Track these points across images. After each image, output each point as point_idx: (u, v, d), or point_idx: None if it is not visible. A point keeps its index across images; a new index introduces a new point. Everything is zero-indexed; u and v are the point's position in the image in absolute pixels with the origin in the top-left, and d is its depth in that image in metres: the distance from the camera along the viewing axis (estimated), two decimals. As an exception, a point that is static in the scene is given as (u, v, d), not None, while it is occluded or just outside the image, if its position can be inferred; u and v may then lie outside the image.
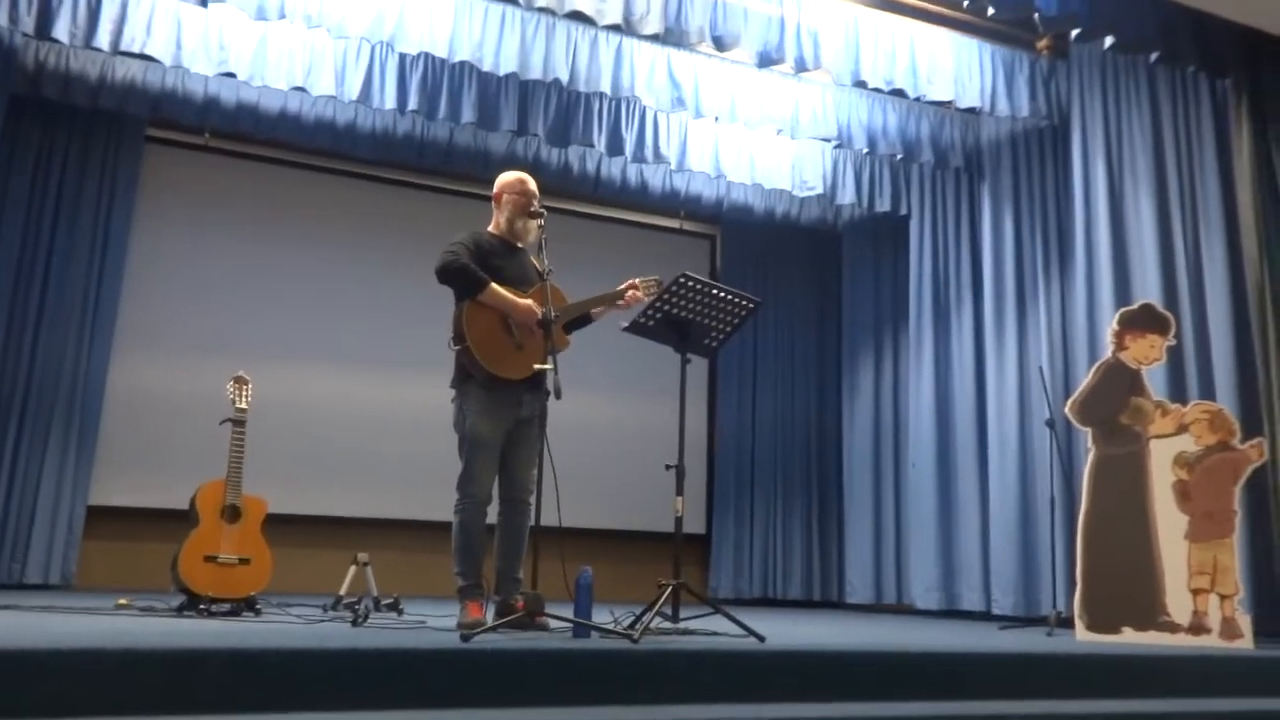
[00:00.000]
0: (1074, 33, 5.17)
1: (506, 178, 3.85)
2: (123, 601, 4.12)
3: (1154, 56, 5.08)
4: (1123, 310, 4.54)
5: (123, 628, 3.01)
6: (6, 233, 5.86)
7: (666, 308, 3.59)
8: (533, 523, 3.36)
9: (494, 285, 3.57)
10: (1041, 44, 5.82)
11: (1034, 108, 5.80)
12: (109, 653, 2.24)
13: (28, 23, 4.90)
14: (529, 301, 3.58)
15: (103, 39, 5.03)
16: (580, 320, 3.89)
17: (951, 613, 6.25)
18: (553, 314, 3.43)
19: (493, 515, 3.67)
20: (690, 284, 3.57)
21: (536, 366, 3.42)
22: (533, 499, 3.38)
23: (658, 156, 6.25)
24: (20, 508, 5.70)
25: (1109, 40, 5.10)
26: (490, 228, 3.81)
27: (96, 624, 3.18)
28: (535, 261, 3.73)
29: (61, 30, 4.94)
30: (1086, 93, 5.57)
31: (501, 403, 3.58)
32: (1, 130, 5.62)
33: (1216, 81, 5.15)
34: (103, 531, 6.01)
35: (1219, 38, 5.03)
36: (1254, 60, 5.01)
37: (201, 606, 3.86)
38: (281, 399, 6.30)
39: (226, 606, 3.95)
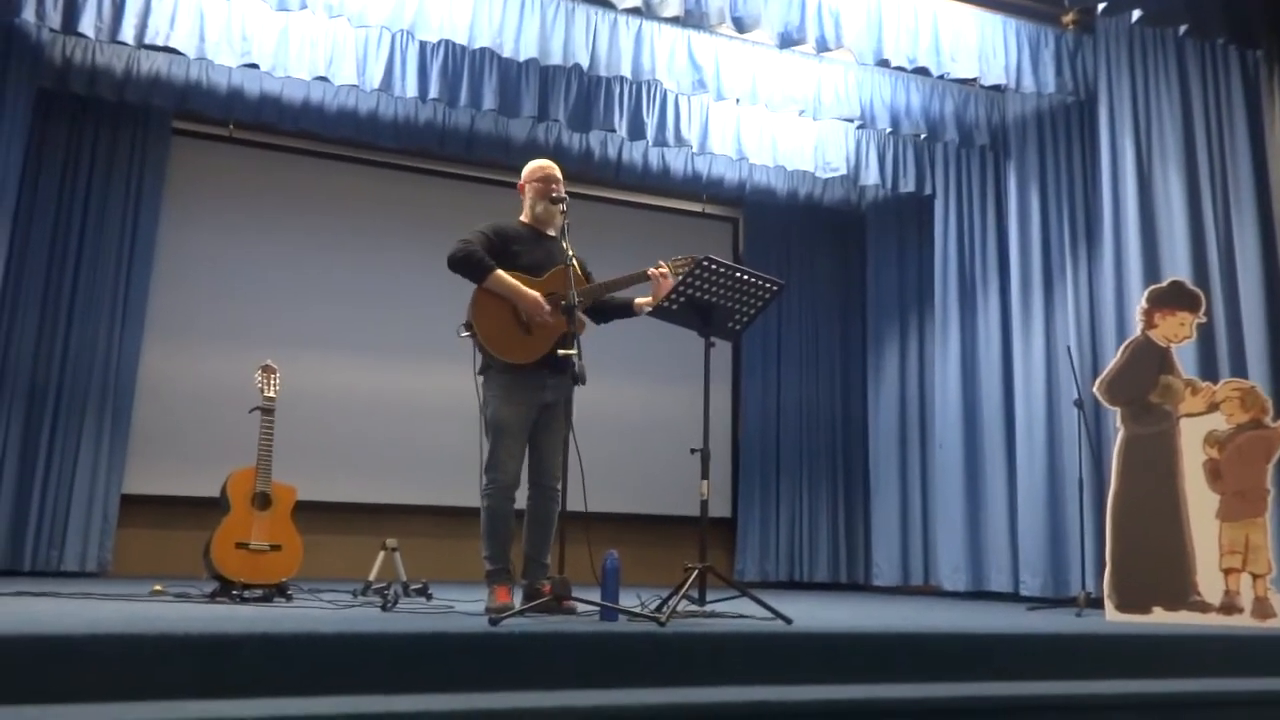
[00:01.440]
0: (1100, 6, 5.10)
1: (530, 166, 3.88)
2: (157, 588, 4.20)
3: (1182, 29, 4.99)
4: (1152, 288, 4.49)
5: (157, 613, 3.06)
6: (37, 226, 5.95)
7: (690, 291, 3.58)
8: (561, 509, 3.37)
9: (499, 273, 3.59)
10: (1067, 18, 5.74)
11: (1060, 84, 5.73)
12: (144, 638, 2.28)
13: (54, 18, 4.96)
14: (535, 294, 3.59)
15: (127, 33, 5.08)
16: (621, 311, 3.89)
17: (979, 594, 6.23)
18: (576, 299, 3.44)
19: (521, 500, 3.69)
20: (713, 267, 3.57)
21: (560, 353, 3.42)
22: (561, 485, 3.39)
23: (679, 140, 6.23)
24: (57, 497, 5.80)
25: (1136, 13, 5.02)
26: (521, 216, 3.84)
27: (132, 610, 3.24)
28: (566, 246, 3.72)
29: (87, 25, 4.99)
30: (1113, 67, 5.49)
31: (523, 387, 3.60)
32: (30, 125, 5.70)
33: (1247, 53, 5.05)
34: (137, 520, 6.11)
35: (1249, 8, 4.93)
36: (1286, 31, 4.92)
37: (234, 592, 3.92)
38: (309, 387, 6.35)
39: (258, 592, 4.00)
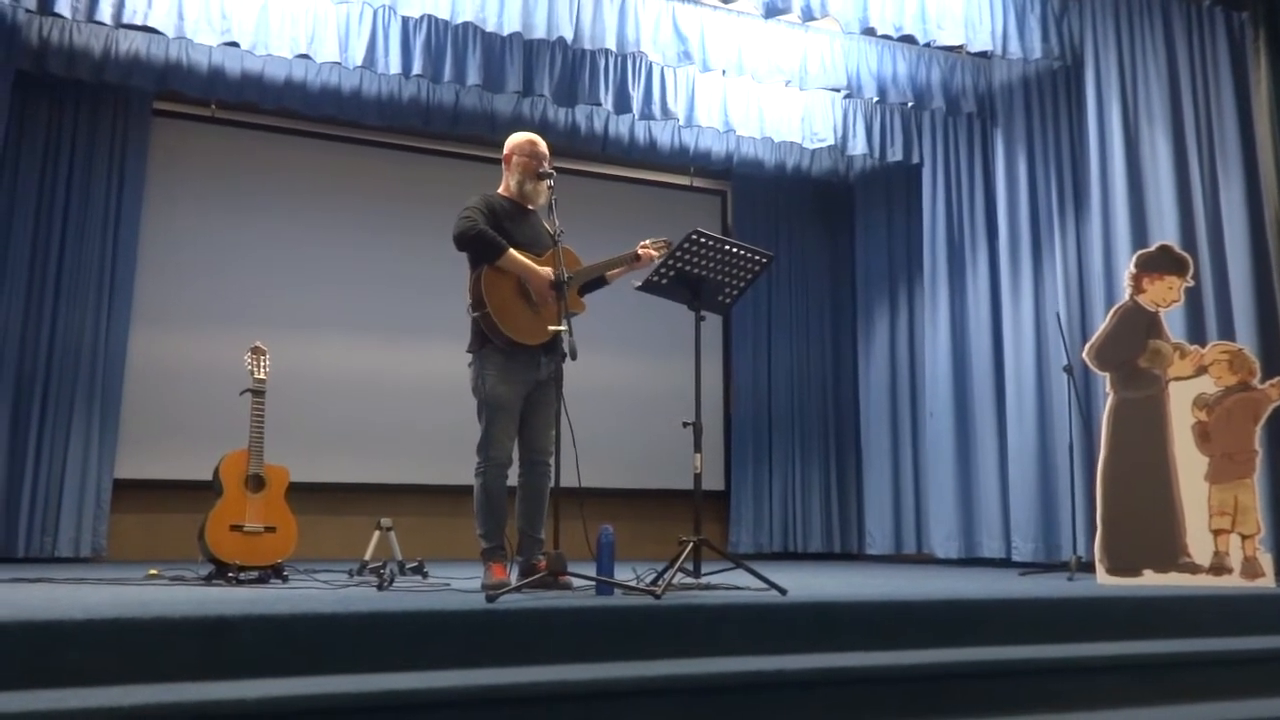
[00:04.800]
0: (1086, -30, 5.06)
1: (516, 139, 3.82)
2: (153, 572, 4.20)
3: (1169, -9, 4.98)
4: (1140, 252, 4.50)
5: (153, 597, 3.06)
6: (20, 211, 5.89)
7: (679, 265, 3.57)
8: (553, 484, 3.38)
9: (512, 251, 3.55)
10: (1053, -17, 5.71)
11: (1046, 49, 5.70)
12: (141, 621, 2.28)
13: (29, -2, 4.89)
14: (546, 271, 3.57)
15: (105, 12, 5.00)
16: (594, 283, 3.88)
17: (971, 561, 6.28)
18: (566, 276, 3.43)
19: (513, 478, 3.69)
20: (702, 240, 3.56)
21: (551, 329, 3.42)
22: (552, 460, 3.40)
23: (665, 112, 6.18)
24: (49, 483, 5.78)
25: (1122, -24, 5.00)
26: (500, 190, 3.79)
27: (127, 594, 3.24)
28: (546, 223, 3.72)
29: (64, 5, 4.90)
30: (1100, 31, 5.47)
31: (520, 366, 3.59)
32: (9, 108, 5.63)
33: (1233, 14, 5.04)
34: (131, 505, 6.10)
35: (1235, -30, 4.91)
36: (1272, -9, 4.90)
37: (230, 575, 3.92)
38: (299, 368, 6.33)
39: (254, 574, 4.01)
